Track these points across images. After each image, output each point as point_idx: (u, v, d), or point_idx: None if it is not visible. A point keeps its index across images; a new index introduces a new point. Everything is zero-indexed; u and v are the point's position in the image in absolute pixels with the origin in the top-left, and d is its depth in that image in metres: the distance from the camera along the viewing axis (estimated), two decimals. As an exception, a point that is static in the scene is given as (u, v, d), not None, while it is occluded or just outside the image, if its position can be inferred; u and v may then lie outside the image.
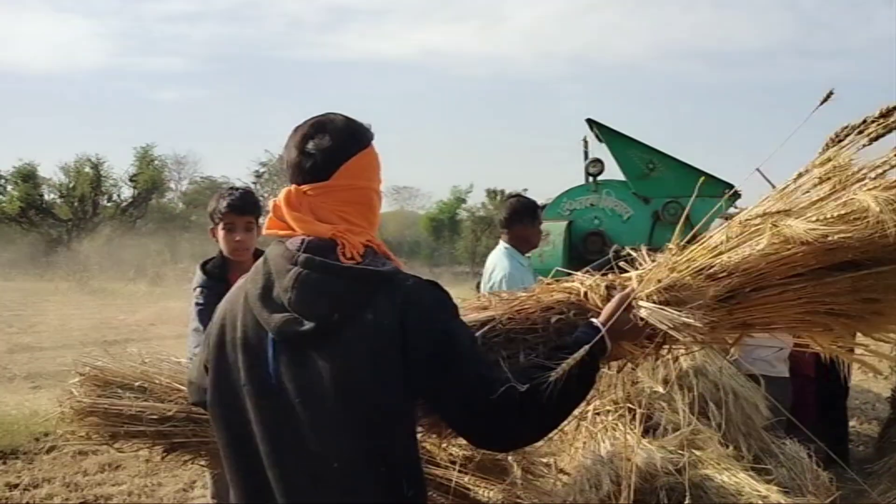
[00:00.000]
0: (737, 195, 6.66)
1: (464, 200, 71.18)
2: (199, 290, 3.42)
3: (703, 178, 6.18)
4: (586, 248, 6.07)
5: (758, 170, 2.00)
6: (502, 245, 4.42)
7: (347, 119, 1.72)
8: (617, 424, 3.01)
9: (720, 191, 6.36)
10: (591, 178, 6.47)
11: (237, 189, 3.65)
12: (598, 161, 6.46)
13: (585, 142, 7.17)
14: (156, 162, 41.34)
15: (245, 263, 3.41)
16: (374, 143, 1.75)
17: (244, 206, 3.50)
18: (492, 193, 69.16)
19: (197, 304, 3.39)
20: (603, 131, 6.41)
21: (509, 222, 4.41)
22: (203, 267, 3.51)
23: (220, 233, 3.49)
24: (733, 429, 3.23)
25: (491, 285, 4.22)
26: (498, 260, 4.35)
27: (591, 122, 6.59)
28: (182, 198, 50.42)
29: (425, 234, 69.53)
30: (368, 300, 1.57)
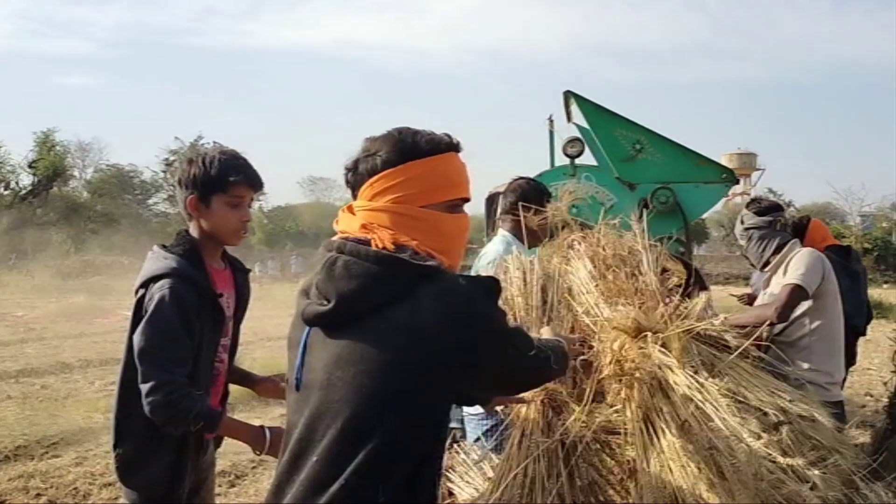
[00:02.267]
0: (735, 180, 6.07)
1: (383, 192, 70.75)
2: (164, 281, 2.49)
3: (698, 161, 5.69)
4: (565, 241, 5.24)
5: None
6: (501, 233, 3.64)
7: (390, 136, 1.72)
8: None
9: (718, 176, 5.81)
10: (570, 162, 5.62)
11: (234, 153, 2.72)
12: (577, 140, 5.59)
13: (551, 120, 6.36)
14: (57, 148, 39.26)
15: (220, 251, 2.73)
16: (428, 157, 1.70)
17: (259, 178, 2.70)
18: (412, 185, 68.97)
19: (159, 300, 2.46)
20: (583, 105, 5.58)
21: (514, 208, 3.57)
22: (173, 249, 2.62)
23: (221, 208, 2.61)
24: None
25: (476, 270, 3.42)
26: (491, 247, 3.55)
27: (569, 95, 5.75)
28: (87, 186, 48.41)
29: (343, 226, 68.83)
30: (405, 293, 1.54)
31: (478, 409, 3.37)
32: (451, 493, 2.98)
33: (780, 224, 3.76)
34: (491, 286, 1.65)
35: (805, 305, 3.53)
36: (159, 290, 2.46)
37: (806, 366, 3.48)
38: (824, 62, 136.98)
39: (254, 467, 5.94)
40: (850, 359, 4.83)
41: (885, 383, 5.93)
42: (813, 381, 3.37)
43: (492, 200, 6.64)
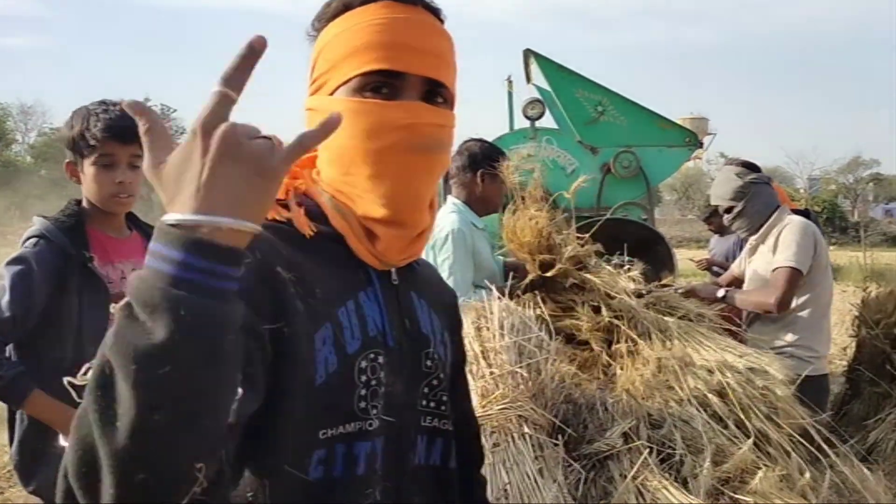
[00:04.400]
0: (698, 143, 5.94)
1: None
2: (32, 239, 2.26)
3: (662, 125, 5.54)
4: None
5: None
6: (451, 201, 3.33)
7: None
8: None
9: (682, 139, 5.67)
10: (530, 124, 5.42)
11: (112, 105, 2.38)
12: (537, 102, 5.38)
13: (509, 82, 6.14)
14: (-4, 111, 37.98)
15: (118, 218, 2.40)
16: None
17: (131, 131, 2.34)
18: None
19: (10, 263, 2.21)
20: (544, 65, 5.36)
21: (464, 172, 3.31)
22: (49, 216, 2.34)
23: (92, 170, 2.31)
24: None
25: (433, 244, 3.13)
26: (443, 216, 3.24)
27: (528, 55, 5.53)
28: (30, 150, 47.16)
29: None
30: None
31: None
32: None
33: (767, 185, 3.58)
34: None
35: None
36: (10, 257, 2.22)
37: (789, 338, 3.36)
38: (778, 25, 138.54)
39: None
40: None
41: (844, 349, 5.91)
42: (794, 355, 3.25)
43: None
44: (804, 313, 3.38)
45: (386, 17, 1.02)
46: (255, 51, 0.73)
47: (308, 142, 0.75)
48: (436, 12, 1.07)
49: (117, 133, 2.27)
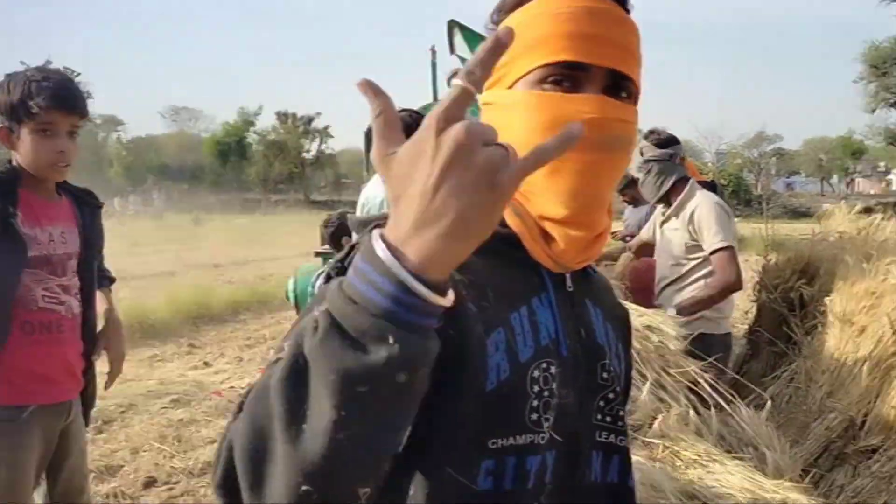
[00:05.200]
0: None
1: (252, 123, 68.31)
2: None
3: None
4: (447, 176, 5.15)
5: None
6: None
7: None
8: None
9: None
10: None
11: (53, 73, 2.38)
12: (460, 73, 5.48)
13: (433, 51, 6.21)
14: None
15: (50, 183, 2.42)
16: None
17: (74, 100, 2.34)
18: (283, 116, 66.84)
19: None
20: (468, 37, 5.44)
21: None
22: None
23: (30, 137, 2.30)
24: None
25: (367, 210, 3.25)
26: (376, 183, 3.37)
27: (453, 25, 5.60)
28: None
29: (210, 159, 66.13)
30: None
31: None
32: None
33: (678, 158, 3.70)
34: None
35: (702, 252, 3.54)
36: None
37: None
38: (692, 2, 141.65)
39: (122, 412, 5.69)
40: None
41: (746, 312, 6.24)
42: (703, 316, 3.44)
43: (371, 135, 6.47)
44: (711, 279, 3.56)
45: (570, 7, 0.95)
46: (502, 44, 0.67)
47: (546, 156, 0.67)
48: (621, 1, 0.99)
49: (61, 103, 2.28)
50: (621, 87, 0.96)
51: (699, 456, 2.22)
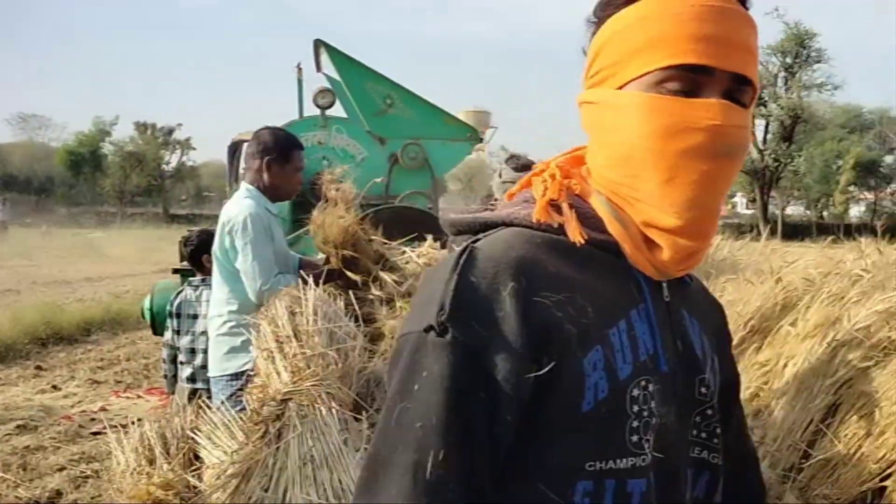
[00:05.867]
0: (478, 139, 6.29)
1: (108, 133, 65.16)
2: None
3: (446, 119, 5.81)
4: (314, 194, 5.11)
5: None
6: (244, 186, 3.38)
7: None
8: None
9: (464, 134, 5.98)
10: (322, 112, 5.49)
11: None
12: (327, 91, 5.46)
13: (299, 69, 6.17)
14: None
15: None
16: None
17: None
18: (141, 127, 64.17)
19: None
20: (334, 56, 5.46)
21: (253, 159, 3.37)
22: None
23: None
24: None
25: (230, 229, 3.18)
26: (237, 202, 3.30)
27: (319, 44, 5.60)
28: None
29: (62, 169, 62.53)
30: None
31: (225, 370, 3.23)
32: (197, 457, 2.86)
33: None
34: None
35: None
36: None
37: None
38: (549, 26, 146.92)
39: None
40: None
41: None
42: None
43: (235, 149, 6.35)
44: None
45: (693, 5, 0.89)
46: None
47: None
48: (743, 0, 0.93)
49: None
50: (741, 90, 0.91)
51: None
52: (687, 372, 0.97)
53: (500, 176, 3.80)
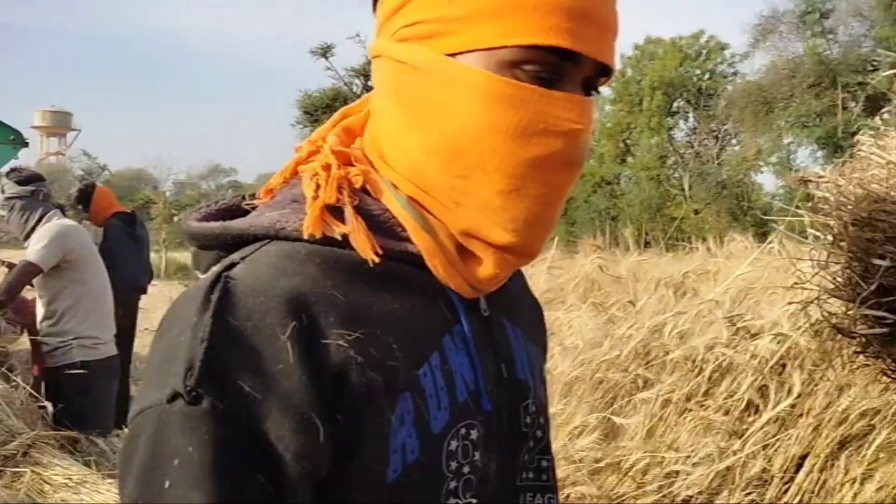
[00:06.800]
0: (24, 143, 6.04)
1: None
2: None
3: None
4: None
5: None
6: None
7: None
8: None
9: (6, 138, 5.75)
10: None
11: None
12: None
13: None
14: None
15: None
16: None
17: None
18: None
19: None
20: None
21: None
22: None
23: None
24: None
25: None
26: None
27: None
28: None
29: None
30: None
31: None
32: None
33: (42, 194, 3.71)
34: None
35: (65, 279, 3.61)
36: None
37: (71, 333, 3.59)
38: (137, 25, 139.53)
39: None
40: (134, 314, 5.35)
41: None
42: (82, 345, 3.59)
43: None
44: (81, 306, 3.65)
45: None
46: None
47: None
48: None
49: None
50: (598, 81, 0.71)
51: (69, 479, 2.50)
52: (512, 402, 0.78)
53: (2, 192, 3.70)
